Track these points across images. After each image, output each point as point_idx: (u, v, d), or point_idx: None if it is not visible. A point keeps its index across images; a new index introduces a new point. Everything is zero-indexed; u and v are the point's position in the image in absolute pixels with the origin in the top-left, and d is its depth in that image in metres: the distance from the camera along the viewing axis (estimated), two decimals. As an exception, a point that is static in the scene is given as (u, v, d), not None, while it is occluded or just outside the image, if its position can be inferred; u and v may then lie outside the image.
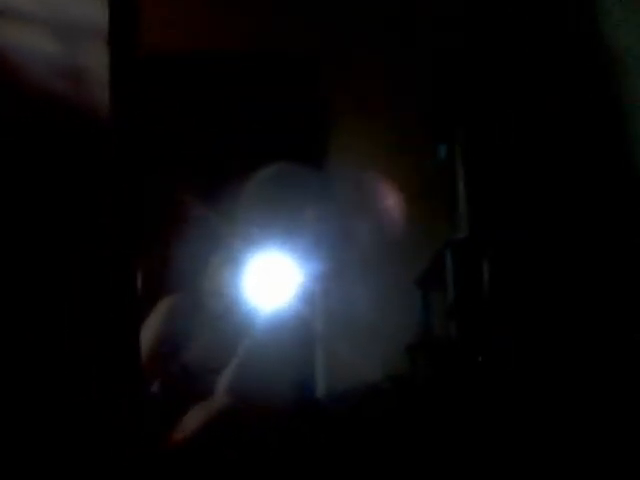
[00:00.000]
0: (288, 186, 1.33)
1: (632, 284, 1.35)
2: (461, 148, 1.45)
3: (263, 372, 1.20)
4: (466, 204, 1.46)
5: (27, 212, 1.27)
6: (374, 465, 1.23)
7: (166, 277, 1.22)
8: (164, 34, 1.44)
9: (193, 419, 1.10)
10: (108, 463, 1.05)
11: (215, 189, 1.36)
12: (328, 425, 1.19)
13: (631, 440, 1.29)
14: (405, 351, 1.33)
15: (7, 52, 1.35)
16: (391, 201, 1.43)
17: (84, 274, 1.28)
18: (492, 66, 1.51)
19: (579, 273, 1.37)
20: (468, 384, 1.28)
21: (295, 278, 1.27)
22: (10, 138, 1.28)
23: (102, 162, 1.35)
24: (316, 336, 1.30)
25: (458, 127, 1.48)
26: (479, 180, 1.48)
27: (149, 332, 1.13)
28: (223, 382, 1.13)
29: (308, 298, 1.26)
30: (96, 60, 1.40)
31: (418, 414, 1.24)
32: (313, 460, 1.15)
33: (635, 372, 1.34)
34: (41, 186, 1.28)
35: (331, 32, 1.48)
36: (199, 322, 1.18)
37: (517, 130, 1.48)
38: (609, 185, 1.43)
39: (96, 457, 1.06)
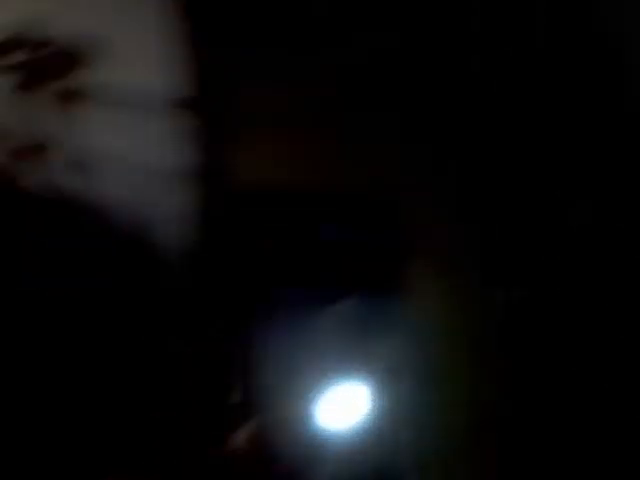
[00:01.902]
0: (364, 320, 1.38)
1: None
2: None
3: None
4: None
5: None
6: None
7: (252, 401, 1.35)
8: (258, 172, 1.45)
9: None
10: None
11: (296, 319, 1.39)
12: None
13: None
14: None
15: (88, 198, 1.39)
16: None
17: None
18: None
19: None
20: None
21: (371, 407, 1.32)
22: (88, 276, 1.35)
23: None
24: (398, 458, 1.32)
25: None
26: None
27: (240, 443, 1.31)
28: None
29: (388, 427, 1.32)
30: (174, 207, 1.42)
31: None
32: None
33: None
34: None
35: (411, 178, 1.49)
36: (280, 444, 1.30)
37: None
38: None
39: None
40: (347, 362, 1.33)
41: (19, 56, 1.44)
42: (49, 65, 1.44)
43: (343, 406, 1.31)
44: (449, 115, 1.51)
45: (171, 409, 1.35)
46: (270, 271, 1.44)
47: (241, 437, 1.29)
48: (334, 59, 1.51)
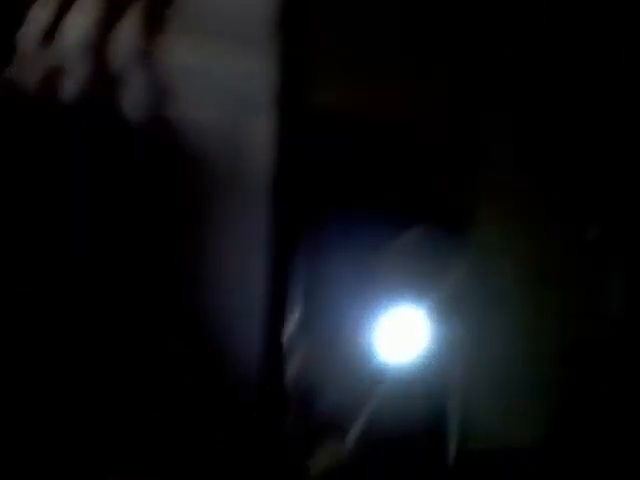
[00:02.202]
0: (429, 249, 1.37)
1: None
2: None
3: (394, 424, 1.24)
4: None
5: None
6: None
7: (307, 328, 1.33)
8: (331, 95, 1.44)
9: (322, 462, 1.17)
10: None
11: (360, 248, 1.37)
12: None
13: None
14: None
15: (177, 125, 1.40)
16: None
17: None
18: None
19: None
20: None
21: (432, 336, 1.31)
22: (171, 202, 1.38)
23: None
24: (451, 393, 1.29)
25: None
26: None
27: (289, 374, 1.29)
28: (354, 432, 1.21)
29: (444, 355, 1.30)
30: (261, 127, 1.40)
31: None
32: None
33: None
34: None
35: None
36: (332, 371, 1.28)
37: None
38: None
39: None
40: (409, 292, 1.34)
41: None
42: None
43: (401, 336, 1.32)
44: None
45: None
46: (339, 196, 1.45)
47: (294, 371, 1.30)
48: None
